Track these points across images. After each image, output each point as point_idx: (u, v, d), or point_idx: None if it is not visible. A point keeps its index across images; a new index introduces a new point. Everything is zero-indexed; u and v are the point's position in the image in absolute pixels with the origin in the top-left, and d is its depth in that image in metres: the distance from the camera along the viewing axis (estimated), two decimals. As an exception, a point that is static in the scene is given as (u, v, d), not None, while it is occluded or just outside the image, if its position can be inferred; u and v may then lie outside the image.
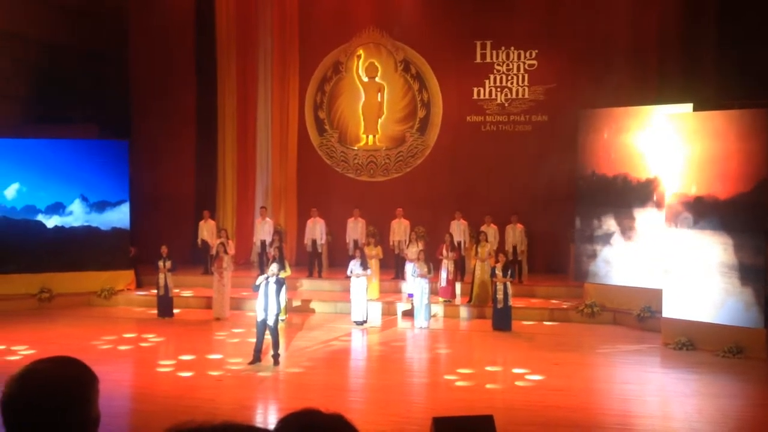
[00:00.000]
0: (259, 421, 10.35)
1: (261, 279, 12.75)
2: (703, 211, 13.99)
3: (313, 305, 17.35)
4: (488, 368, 12.72)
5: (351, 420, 1.81)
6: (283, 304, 14.65)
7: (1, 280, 17.30)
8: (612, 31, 18.93)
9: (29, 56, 19.96)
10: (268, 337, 12.70)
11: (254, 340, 12.94)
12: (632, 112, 16.20)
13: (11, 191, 17.81)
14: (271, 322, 12.59)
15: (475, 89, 20.43)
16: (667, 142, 14.78)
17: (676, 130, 14.54)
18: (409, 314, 16.39)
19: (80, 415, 2.03)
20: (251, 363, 12.56)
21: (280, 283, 12.99)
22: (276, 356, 12.66)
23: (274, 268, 12.88)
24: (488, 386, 11.66)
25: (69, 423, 2.00)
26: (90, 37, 20.92)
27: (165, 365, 12.71)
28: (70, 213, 18.25)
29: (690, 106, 15.14)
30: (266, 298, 12.58)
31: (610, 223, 16.29)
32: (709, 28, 18.29)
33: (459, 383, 11.76)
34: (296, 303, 17.23)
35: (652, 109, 15.87)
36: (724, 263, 13.68)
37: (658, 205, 15.35)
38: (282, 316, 14.50)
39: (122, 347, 13.99)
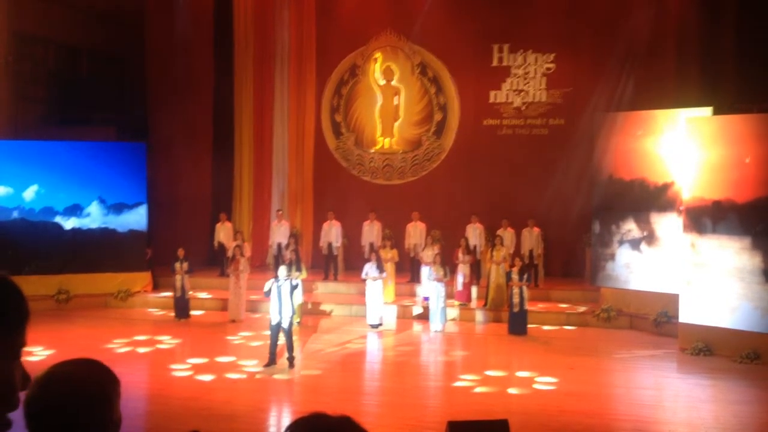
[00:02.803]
0: (272, 424, 10.37)
1: (269, 284, 12.79)
2: (720, 215, 13.90)
3: (328, 308, 17.37)
4: (503, 372, 12.68)
5: (361, 422, 1.81)
6: (296, 306, 14.73)
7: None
8: (630, 35, 18.83)
9: (48, 59, 20.10)
10: (282, 339, 12.74)
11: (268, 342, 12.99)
12: (650, 115, 16.11)
13: (30, 193, 17.94)
14: (285, 324, 12.63)
15: (492, 93, 20.39)
16: (685, 146, 14.70)
17: (695, 134, 14.46)
18: (424, 317, 16.38)
19: (102, 417, 2.04)
20: (267, 365, 12.59)
21: (293, 286, 13.01)
22: (291, 359, 12.68)
23: (282, 271, 12.86)
24: (503, 390, 11.62)
25: (91, 425, 2.01)
26: (109, 41, 21.06)
27: (181, 367, 12.75)
28: (88, 215, 18.36)
29: (709, 110, 15.05)
30: (280, 301, 12.61)
31: (627, 227, 16.21)
32: (729, 31, 18.17)
33: (474, 387, 11.74)
34: (312, 306, 17.25)
35: (670, 113, 15.77)
36: (741, 268, 13.58)
37: (676, 209, 15.26)
38: (296, 319, 14.47)
39: (138, 349, 14.05)
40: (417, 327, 16.30)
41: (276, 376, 12.24)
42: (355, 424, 1.83)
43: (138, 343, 14.44)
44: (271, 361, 12.66)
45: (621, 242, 16.28)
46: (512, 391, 11.65)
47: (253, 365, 12.75)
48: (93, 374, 2.08)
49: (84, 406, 2.00)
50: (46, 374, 2.05)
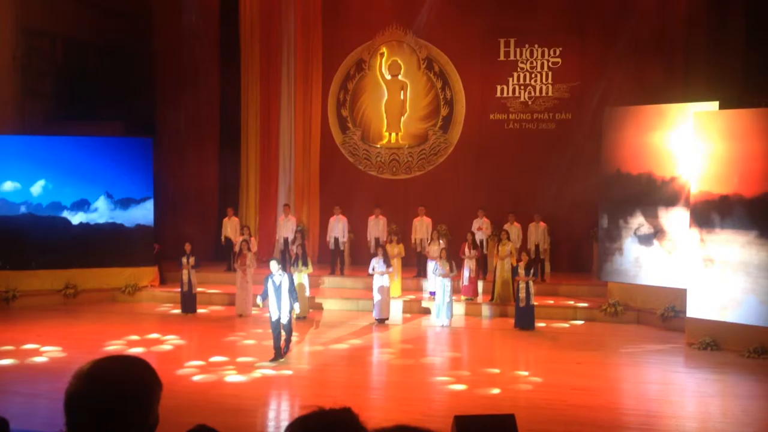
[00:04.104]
0: (273, 416, 10.39)
1: (260, 299, 12.93)
2: (727, 209, 13.86)
3: (334, 302, 17.38)
4: (510, 367, 12.68)
5: (366, 416, 1.81)
6: (301, 300, 14.80)
7: (26, 276, 17.48)
8: (637, 28, 18.76)
9: (56, 54, 20.14)
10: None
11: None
12: (657, 110, 16.06)
13: (37, 188, 17.99)
14: (284, 320, 12.71)
15: (499, 87, 20.36)
16: (692, 141, 14.65)
17: (702, 128, 14.41)
18: (430, 312, 16.37)
19: (142, 417, 2.03)
20: (273, 360, 12.63)
21: (291, 280, 13.02)
22: (288, 341, 12.94)
23: (274, 265, 12.84)
24: (510, 385, 11.62)
25: (131, 424, 2.00)
26: (116, 35, 21.09)
27: (188, 361, 12.78)
28: (95, 210, 18.40)
29: (716, 104, 14.99)
30: (278, 297, 12.65)
31: (634, 222, 16.17)
32: (737, 25, 18.10)
33: (481, 381, 11.74)
34: (318, 300, 17.28)
35: (677, 107, 15.73)
36: (748, 262, 13.54)
37: (683, 203, 15.22)
38: (294, 314, 14.23)
39: (146, 343, 14.07)
40: (423, 322, 16.30)
41: (283, 371, 12.26)
42: (353, 419, 1.83)
43: (145, 337, 14.47)
44: (278, 355, 12.70)
45: (628, 237, 16.25)
46: (519, 385, 11.66)
47: (259, 360, 12.77)
48: (138, 374, 2.06)
49: (126, 404, 1.98)
50: (92, 367, 2.02)
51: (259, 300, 13.10)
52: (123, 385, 2.00)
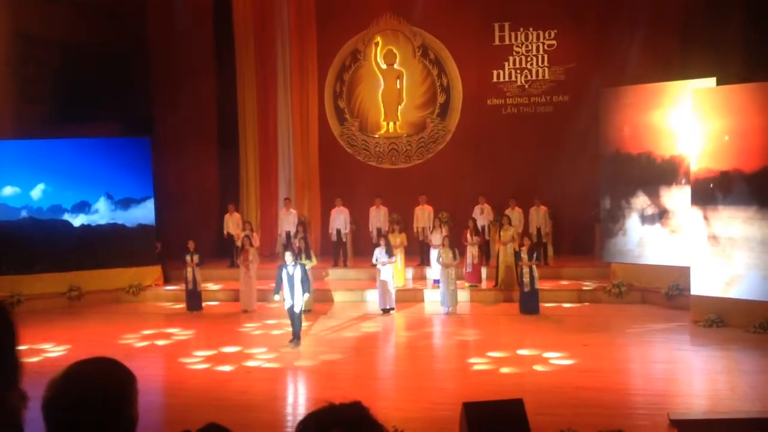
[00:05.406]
0: (289, 412, 10.41)
1: (276, 296, 13.07)
2: (728, 185, 13.85)
3: (339, 294, 17.39)
4: (517, 352, 12.70)
5: (374, 407, 1.81)
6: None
7: (30, 280, 17.49)
8: (633, 6, 18.70)
9: (51, 58, 20.08)
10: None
11: (281, 331, 13.15)
12: (655, 88, 16.02)
13: (37, 192, 17.99)
14: (297, 309, 12.91)
15: (495, 72, 20.32)
16: (690, 118, 14.63)
17: (700, 105, 14.39)
18: (435, 300, 16.36)
19: (121, 417, 2.05)
20: (295, 344, 13.15)
21: (304, 271, 13.26)
22: (297, 332, 13.26)
23: (288, 257, 13.12)
24: (518, 370, 11.64)
25: (110, 423, 2.02)
26: (110, 37, 21.01)
27: (196, 359, 12.80)
28: (96, 211, 18.40)
29: (713, 80, 14.95)
30: (291, 287, 12.88)
31: (635, 202, 16.15)
32: (734, 1, 18.00)
33: (488, 367, 11.76)
34: (322, 292, 17.27)
35: (674, 85, 15.69)
36: (751, 238, 13.54)
37: (684, 181, 15.20)
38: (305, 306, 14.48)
39: (153, 342, 14.09)
40: (428, 310, 16.32)
41: (294, 363, 12.29)
42: (364, 412, 1.84)
43: (152, 336, 14.49)
44: (296, 338, 13.26)
45: (630, 217, 16.23)
46: (526, 370, 11.67)
47: (267, 354, 12.80)
48: (110, 373, 2.08)
49: (103, 405, 2.01)
50: (64, 375, 2.05)
51: (276, 297, 13.36)
52: (96, 385, 2.02)
